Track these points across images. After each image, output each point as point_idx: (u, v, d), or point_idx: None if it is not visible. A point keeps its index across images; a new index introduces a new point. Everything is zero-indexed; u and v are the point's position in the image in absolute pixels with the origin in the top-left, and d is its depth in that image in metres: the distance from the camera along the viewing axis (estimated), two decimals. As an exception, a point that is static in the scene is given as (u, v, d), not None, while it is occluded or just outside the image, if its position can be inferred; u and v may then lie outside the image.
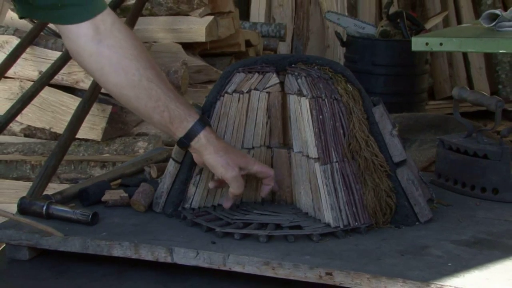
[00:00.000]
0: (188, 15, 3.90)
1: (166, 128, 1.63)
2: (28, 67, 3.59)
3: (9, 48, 3.55)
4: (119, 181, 1.97)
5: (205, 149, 1.61)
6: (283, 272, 1.48)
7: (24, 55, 3.51)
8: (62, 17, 1.56)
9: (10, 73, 3.51)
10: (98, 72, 1.61)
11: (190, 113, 1.62)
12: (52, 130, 3.54)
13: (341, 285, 1.44)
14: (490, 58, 5.76)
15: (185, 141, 1.62)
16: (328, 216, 1.64)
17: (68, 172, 3.48)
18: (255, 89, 1.76)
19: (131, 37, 1.61)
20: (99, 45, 1.57)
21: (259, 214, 1.72)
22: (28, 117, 3.52)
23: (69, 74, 3.47)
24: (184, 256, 1.54)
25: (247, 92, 1.75)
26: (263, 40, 4.79)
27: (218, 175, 1.64)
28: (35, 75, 3.54)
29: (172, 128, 1.62)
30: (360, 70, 4.09)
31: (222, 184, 1.68)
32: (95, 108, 3.35)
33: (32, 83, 3.41)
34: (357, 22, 4.50)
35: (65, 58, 3.36)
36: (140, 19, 3.67)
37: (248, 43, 4.33)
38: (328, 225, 1.64)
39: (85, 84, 3.42)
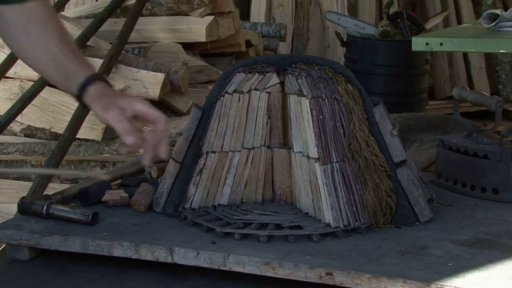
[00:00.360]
0: (188, 15, 3.90)
1: (65, 87, 1.63)
2: (28, 67, 3.57)
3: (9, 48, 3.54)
4: (119, 181, 1.98)
5: (94, 101, 1.57)
6: (283, 272, 1.48)
7: (24, 55, 3.51)
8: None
9: (10, 73, 3.51)
10: (3, 34, 1.65)
11: (83, 69, 1.59)
12: (52, 130, 3.54)
13: (341, 285, 1.45)
14: (490, 58, 5.75)
15: (78, 96, 1.58)
16: (328, 216, 1.64)
17: (69, 172, 3.47)
18: (256, 89, 1.75)
19: (43, 7, 1.62)
20: (9, 10, 1.59)
21: (259, 214, 1.72)
22: (28, 117, 3.52)
23: (69, 74, 3.47)
24: (184, 256, 1.54)
25: (247, 92, 1.75)
26: (263, 40, 4.78)
27: (102, 120, 1.58)
28: (35, 75, 3.53)
29: (68, 85, 1.61)
30: (360, 70, 4.08)
31: (130, 147, 1.56)
32: (95, 108, 3.35)
33: (32, 83, 3.41)
34: (357, 22, 4.49)
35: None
36: (140, 19, 3.67)
37: (248, 43, 4.33)
38: (328, 225, 1.64)
39: (86, 84, 3.42)
